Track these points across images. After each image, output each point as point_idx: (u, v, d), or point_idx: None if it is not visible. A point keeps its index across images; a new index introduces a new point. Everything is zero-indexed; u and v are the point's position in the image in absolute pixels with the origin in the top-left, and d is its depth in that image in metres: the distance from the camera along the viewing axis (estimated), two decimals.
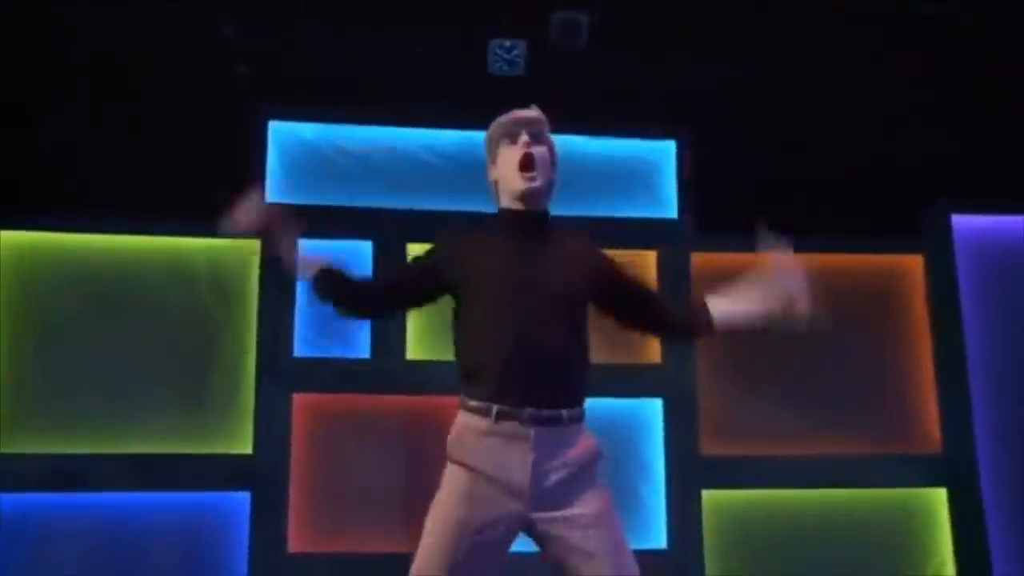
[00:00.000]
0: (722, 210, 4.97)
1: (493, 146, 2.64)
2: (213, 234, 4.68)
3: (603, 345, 4.75)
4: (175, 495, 4.46)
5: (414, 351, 4.70)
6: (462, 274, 2.53)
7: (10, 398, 4.47)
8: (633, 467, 4.75)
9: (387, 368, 4.66)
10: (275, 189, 4.84)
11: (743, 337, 4.86)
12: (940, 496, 4.87)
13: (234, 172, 4.75)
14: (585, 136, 5.09)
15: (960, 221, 5.16)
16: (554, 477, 2.39)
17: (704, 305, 2.60)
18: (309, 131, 4.93)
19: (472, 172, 4.88)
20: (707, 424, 4.82)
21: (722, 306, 2.59)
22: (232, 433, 4.57)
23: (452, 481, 2.44)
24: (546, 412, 2.40)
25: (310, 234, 4.73)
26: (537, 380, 2.41)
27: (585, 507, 2.39)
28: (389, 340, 4.71)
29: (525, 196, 2.56)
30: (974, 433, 4.88)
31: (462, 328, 2.54)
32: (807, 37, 5.01)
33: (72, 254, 4.66)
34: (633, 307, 2.67)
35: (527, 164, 2.54)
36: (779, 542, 4.76)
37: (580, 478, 2.42)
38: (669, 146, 5.16)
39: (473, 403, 2.44)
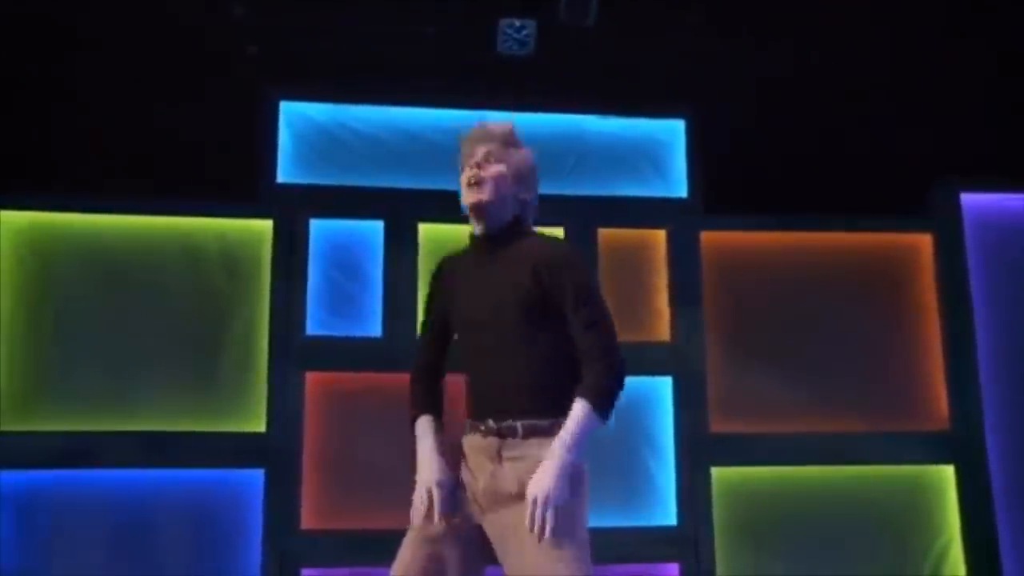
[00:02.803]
0: (731, 189, 4.99)
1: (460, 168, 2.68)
2: (225, 213, 4.78)
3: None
4: (189, 472, 4.50)
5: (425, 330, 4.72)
6: (446, 307, 2.69)
7: (25, 376, 4.51)
8: (643, 444, 4.78)
9: (399, 346, 4.68)
10: (286, 169, 4.86)
11: (753, 315, 4.94)
12: (948, 473, 4.88)
13: (246, 152, 4.81)
14: (594, 115, 5.10)
15: (969, 199, 5.15)
16: (506, 486, 2.44)
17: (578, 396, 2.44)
18: (320, 111, 4.94)
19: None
20: (716, 402, 4.84)
21: (571, 413, 2.43)
22: (245, 411, 4.60)
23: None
24: (499, 424, 2.48)
25: (322, 214, 4.84)
26: (491, 394, 2.53)
27: (524, 520, 2.37)
28: (400, 319, 4.73)
29: (473, 211, 2.61)
30: (982, 410, 4.90)
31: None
32: (816, 15, 5.01)
33: (84, 234, 4.68)
34: (567, 322, 2.52)
35: (473, 184, 2.59)
36: (788, 519, 4.79)
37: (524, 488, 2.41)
38: (678, 125, 5.16)
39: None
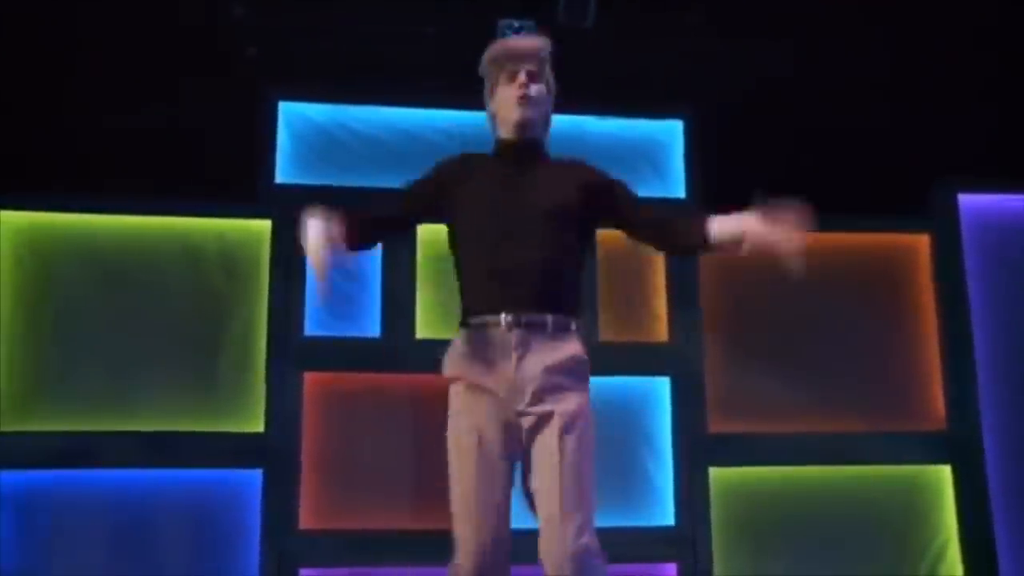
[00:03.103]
0: (729, 189, 4.97)
1: (491, 79, 2.73)
2: (223, 214, 4.79)
3: (611, 324, 4.85)
4: (188, 472, 4.51)
5: (423, 329, 4.73)
6: (454, 197, 2.66)
7: (24, 377, 4.51)
8: (641, 445, 4.79)
9: (397, 347, 4.70)
10: (285, 170, 4.87)
11: (751, 315, 4.95)
12: (944, 473, 4.90)
13: (244, 153, 4.81)
14: (593, 116, 5.10)
15: (967, 200, 5.16)
16: (536, 379, 2.49)
17: (702, 221, 2.64)
18: (319, 111, 4.95)
19: (481, 151, 4.93)
20: (714, 402, 4.85)
21: (716, 223, 2.61)
22: (244, 411, 4.61)
23: (451, 403, 2.60)
24: (527, 317, 2.51)
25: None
26: (518, 288, 2.52)
27: (561, 408, 2.49)
28: (399, 319, 4.74)
29: (520, 127, 2.68)
30: (979, 410, 4.92)
31: (456, 251, 2.69)
32: (815, 15, 5.02)
33: (83, 234, 4.69)
34: (634, 219, 2.74)
35: (524, 102, 2.66)
36: (785, 518, 4.80)
37: (562, 382, 2.51)
38: (676, 125, 5.17)
39: (465, 318, 2.59)
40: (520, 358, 2.49)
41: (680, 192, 5.09)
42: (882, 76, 5.23)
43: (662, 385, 4.85)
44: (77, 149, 4.71)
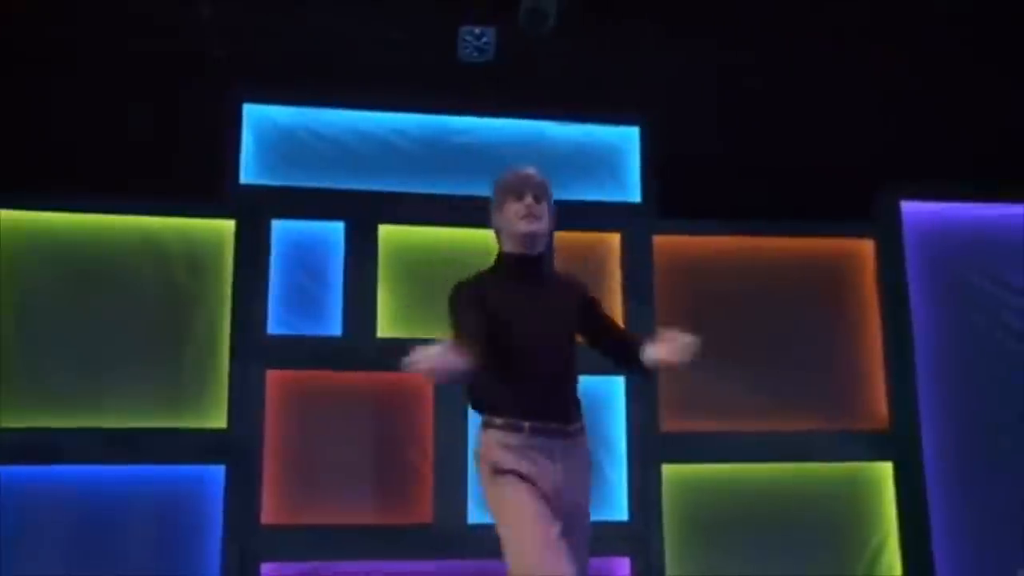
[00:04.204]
0: (683, 194, 5.11)
1: (499, 199, 2.94)
2: (188, 213, 4.83)
3: None
4: (151, 468, 4.55)
5: (384, 329, 4.82)
6: (487, 312, 2.80)
7: None
8: (596, 442, 4.77)
9: (358, 345, 4.77)
10: (249, 171, 4.92)
11: (703, 317, 5.06)
12: (886, 470, 5.06)
13: (209, 153, 4.86)
14: (552, 121, 5.20)
15: (909, 207, 5.32)
16: (570, 482, 2.82)
17: (639, 345, 2.93)
18: (283, 114, 5.00)
19: (441, 156, 5.03)
20: (667, 401, 4.97)
21: (648, 352, 2.89)
22: (207, 408, 4.66)
23: (501, 475, 2.75)
24: (563, 427, 2.83)
25: (284, 215, 4.90)
26: (552, 403, 2.82)
27: (581, 502, 2.90)
28: (360, 318, 4.81)
29: (527, 240, 2.90)
30: (919, 411, 5.09)
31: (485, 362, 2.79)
32: (767, 26, 5.13)
33: (49, 233, 4.71)
34: (599, 333, 3.06)
35: (531, 215, 2.88)
36: (735, 514, 4.93)
37: (583, 480, 2.92)
38: (633, 132, 5.28)
39: (500, 421, 2.78)
40: (561, 466, 2.78)
41: (636, 196, 5.20)
42: (831, 85, 5.35)
43: (617, 384, 4.96)
44: (42, 148, 4.72)
